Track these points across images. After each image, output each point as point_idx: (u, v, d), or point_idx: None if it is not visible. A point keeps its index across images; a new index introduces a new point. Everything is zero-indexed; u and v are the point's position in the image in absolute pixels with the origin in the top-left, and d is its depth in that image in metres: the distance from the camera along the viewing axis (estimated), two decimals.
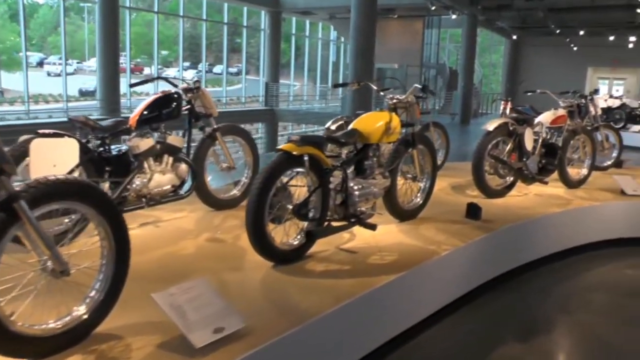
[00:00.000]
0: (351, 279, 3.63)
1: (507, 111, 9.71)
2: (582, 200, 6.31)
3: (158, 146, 4.59)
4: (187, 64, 33.11)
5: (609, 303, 5.09)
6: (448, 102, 28.82)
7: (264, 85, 28.69)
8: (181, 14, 25.99)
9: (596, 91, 8.79)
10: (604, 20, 24.64)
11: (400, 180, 4.93)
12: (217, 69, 33.97)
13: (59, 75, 25.88)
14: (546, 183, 6.43)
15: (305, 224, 3.94)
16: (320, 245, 4.12)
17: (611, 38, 27.93)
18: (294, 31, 32.81)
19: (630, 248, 6.38)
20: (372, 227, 4.13)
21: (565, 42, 31.10)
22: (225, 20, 28.29)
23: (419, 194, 5.13)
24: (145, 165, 4.48)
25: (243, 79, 30.80)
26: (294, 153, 3.68)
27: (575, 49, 32.00)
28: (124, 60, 31.82)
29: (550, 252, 5.65)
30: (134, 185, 4.38)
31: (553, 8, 23.11)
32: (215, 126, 5.11)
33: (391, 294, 3.62)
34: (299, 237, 3.93)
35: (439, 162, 7.36)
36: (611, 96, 21.90)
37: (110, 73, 19.77)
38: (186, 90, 4.97)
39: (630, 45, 28.96)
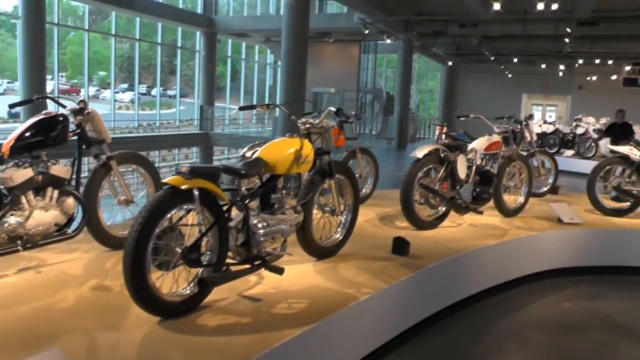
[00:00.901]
0: (248, 335, 3.02)
1: (443, 136, 9.38)
2: (518, 230, 5.93)
3: (39, 177, 3.94)
4: (125, 85, 32.12)
5: (546, 340, 4.68)
6: (385, 127, 28.74)
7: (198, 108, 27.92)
8: (113, 32, 24.98)
9: (531, 117, 8.57)
10: (535, 49, 25.22)
11: (317, 214, 4.38)
12: (155, 91, 33.02)
13: None
14: (481, 213, 6.02)
15: (200, 269, 3.34)
16: (220, 292, 3.51)
17: (543, 66, 28.63)
18: (230, 53, 32.19)
19: (568, 278, 6.08)
20: (279, 270, 3.55)
21: (500, 69, 31.71)
22: (159, 41, 27.43)
23: (339, 229, 4.59)
24: (24, 200, 3.81)
25: (177, 102, 29.91)
26: (182, 187, 3.09)
27: (510, 76, 32.66)
28: (61, 82, 30.60)
29: (485, 287, 5.22)
30: (5, 225, 3.71)
31: (486, 36, 23.42)
32: (109, 154, 4.46)
33: (296, 351, 3.03)
34: (191, 285, 3.31)
35: (367, 191, 6.90)
36: (545, 122, 22.37)
37: (36, 94, 18.54)
38: (75, 112, 4.32)
39: (560, 74, 29.77)
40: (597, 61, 25.87)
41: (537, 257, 5.87)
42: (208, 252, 3.37)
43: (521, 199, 6.79)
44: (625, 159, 7.10)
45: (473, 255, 5.03)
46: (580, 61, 26.87)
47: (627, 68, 26.93)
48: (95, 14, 29.04)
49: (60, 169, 4.12)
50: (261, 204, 3.78)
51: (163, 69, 29.71)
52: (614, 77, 28.77)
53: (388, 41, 21.92)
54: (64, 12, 28.54)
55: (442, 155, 5.65)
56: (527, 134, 8.02)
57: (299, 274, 4.02)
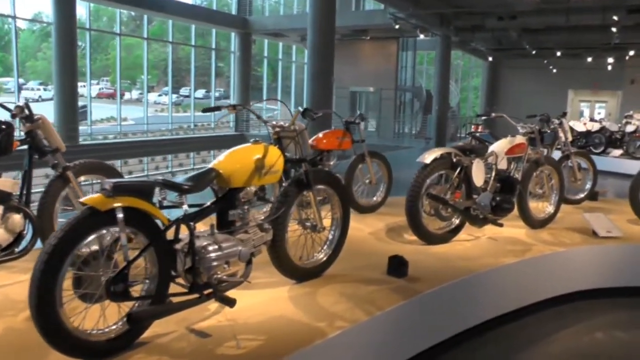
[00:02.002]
0: None
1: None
2: (544, 246, 5.19)
3: None
4: (168, 88, 32.25)
5: None
6: (424, 126, 27.88)
7: None
8: (145, 36, 24.90)
9: (564, 114, 7.73)
10: (580, 41, 23.82)
11: (297, 231, 3.80)
12: (199, 93, 32.96)
13: (37, 100, 25.39)
14: (500, 225, 5.28)
15: (135, 302, 2.81)
16: (168, 324, 2.99)
17: (589, 59, 27.16)
18: (266, 54, 31.81)
19: (603, 301, 5.30)
20: (229, 302, 2.99)
21: (544, 64, 30.30)
22: (193, 43, 27.24)
23: (324, 247, 3.98)
24: None
25: (212, 103, 29.70)
26: (102, 208, 2.58)
27: (554, 71, 31.19)
28: (105, 86, 30.94)
29: (499, 313, 4.52)
30: None
31: (527, 29, 22.29)
32: (65, 164, 4.01)
33: None
34: (123, 320, 2.78)
35: (379, 199, 6.28)
36: (591, 119, 21.20)
37: (68, 99, 18.74)
38: (25, 119, 3.87)
39: (609, 68, 28.19)
40: None
41: (565, 278, 5.13)
42: (146, 281, 2.85)
43: (550, 209, 6.05)
44: None
45: (486, 276, 4.35)
46: (632, 53, 25.32)
47: None
48: (138, 19, 29.14)
49: (5, 182, 3.72)
50: (218, 222, 3.22)
51: (206, 71, 29.51)
52: None
53: (421, 36, 21.08)
54: (109, 18, 28.77)
55: (454, 159, 4.99)
56: (561, 134, 7.25)
57: (268, 301, 3.45)
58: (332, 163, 5.75)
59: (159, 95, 33.09)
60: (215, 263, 2.97)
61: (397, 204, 6.48)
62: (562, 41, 23.86)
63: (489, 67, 34.11)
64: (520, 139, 5.72)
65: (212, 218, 3.27)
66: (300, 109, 3.65)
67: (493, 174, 5.37)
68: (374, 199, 6.25)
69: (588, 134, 16.98)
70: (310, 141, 5.75)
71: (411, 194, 4.81)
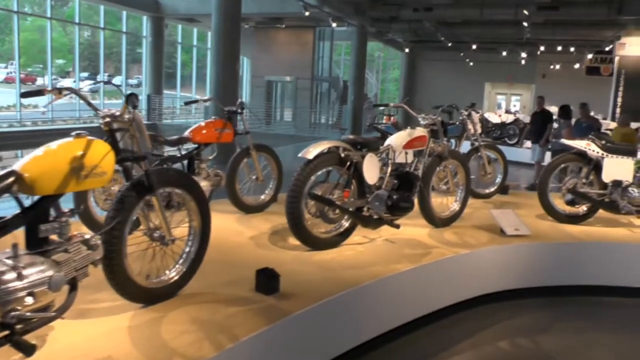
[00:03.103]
0: None
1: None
2: (446, 248, 4.73)
3: None
4: (85, 74, 30.60)
5: None
6: (341, 117, 27.51)
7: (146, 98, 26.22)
8: (48, 15, 23.17)
9: (473, 105, 7.39)
10: (494, 35, 24.07)
11: (144, 243, 3.13)
12: (118, 80, 31.22)
13: None
14: (397, 227, 4.77)
15: None
16: None
17: (504, 54, 27.60)
18: (180, 40, 30.50)
19: (508, 303, 4.96)
20: (26, 350, 2.28)
21: (460, 56, 30.61)
22: (102, 25, 25.66)
23: (179, 263, 3.32)
24: None
25: (124, 90, 28.15)
26: None
27: (471, 64, 31.59)
28: (14, 69, 28.67)
29: (390, 328, 4.02)
30: None
31: (443, 21, 22.26)
32: None
33: None
34: None
35: (267, 198, 5.67)
36: (507, 111, 21.59)
37: None
38: None
39: (523, 62, 28.79)
40: (559, 48, 24.89)
41: (468, 282, 4.73)
42: None
43: (456, 206, 5.65)
44: (581, 156, 6.01)
45: (374, 287, 3.80)
46: (542, 48, 25.86)
47: (589, 56, 26.02)
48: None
49: None
50: (28, 240, 2.49)
51: (125, 57, 27.89)
52: (576, 65, 27.82)
53: (334, 25, 20.49)
54: None
55: (342, 154, 4.42)
56: (470, 126, 6.90)
57: (99, 336, 2.74)
58: (210, 158, 5.10)
59: (74, 82, 31.22)
60: (11, 296, 2.24)
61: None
62: (477, 35, 23.97)
63: (406, 58, 34.17)
64: (420, 131, 5.22)
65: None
66: (127, 93, 2.93)
67: (389, 169, 4.86)
68: (262, 197, 5.63)
69: (503, 125, 17.20)
70: (186, 133, 5.08)
71: (291, 194, 4.22)
